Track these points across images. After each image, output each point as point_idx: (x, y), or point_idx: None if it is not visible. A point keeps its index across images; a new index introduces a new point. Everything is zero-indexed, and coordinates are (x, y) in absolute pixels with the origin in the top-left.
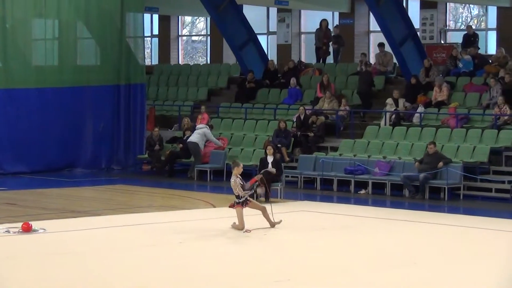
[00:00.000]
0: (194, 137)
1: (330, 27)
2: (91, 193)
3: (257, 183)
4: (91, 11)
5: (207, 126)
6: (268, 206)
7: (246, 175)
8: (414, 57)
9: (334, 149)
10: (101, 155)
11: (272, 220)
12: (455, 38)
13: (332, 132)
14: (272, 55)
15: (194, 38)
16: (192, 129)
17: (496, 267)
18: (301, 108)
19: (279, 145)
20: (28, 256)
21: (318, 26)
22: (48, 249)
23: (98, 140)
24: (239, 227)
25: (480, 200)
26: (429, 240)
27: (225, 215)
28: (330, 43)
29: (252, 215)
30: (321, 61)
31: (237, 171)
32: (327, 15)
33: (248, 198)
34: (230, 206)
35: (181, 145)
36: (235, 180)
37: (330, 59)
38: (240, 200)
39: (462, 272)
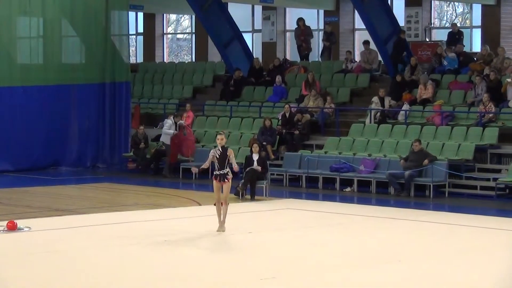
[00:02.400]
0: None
1: (315, 25)
2: (76, 191)
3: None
4: (76, 9)
5: (170, 118)
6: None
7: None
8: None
9: (320, 147)
10: (86, 153)
11: (223, 224)
12: (440, 35)
13: (317, 130)
14: (257, 53)
15: (179, 36)
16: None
17: (480, 264)
18: (286, 106)
19: (264, 143)
20: (13, 254)
21: None
22: (33, 248)
23: (83, 138)
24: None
25: (465, 197)
26: (414, 237)
27: (210, 213)
28: (311, 40)
29: (239, 213)
30: (304, 59)
31: (218, 142)
32: (312, 13)
33: (227, 177)
34: (215, 204)
35: (163, 148)
36: (213, 152)
37: (313, 57)
38: (216, 173)
39: (446, 269)
